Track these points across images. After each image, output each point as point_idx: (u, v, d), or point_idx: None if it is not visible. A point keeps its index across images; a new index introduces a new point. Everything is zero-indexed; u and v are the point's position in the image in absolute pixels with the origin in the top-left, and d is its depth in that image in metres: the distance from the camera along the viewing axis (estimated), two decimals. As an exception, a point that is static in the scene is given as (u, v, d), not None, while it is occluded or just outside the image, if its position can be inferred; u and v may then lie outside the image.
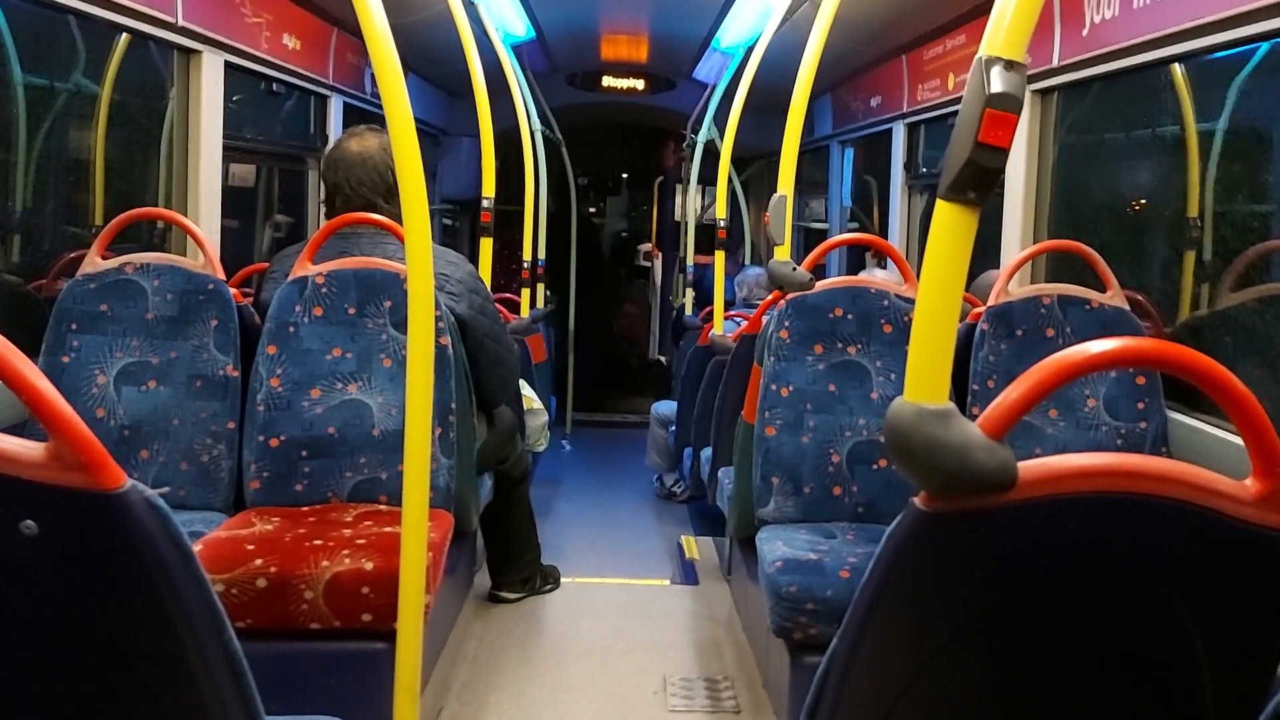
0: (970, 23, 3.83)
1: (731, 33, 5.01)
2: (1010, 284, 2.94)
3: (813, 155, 6.53)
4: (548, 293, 6.14)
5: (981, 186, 1.06)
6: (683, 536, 4.56)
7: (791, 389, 2.80)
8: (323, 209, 2.96)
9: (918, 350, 1.10)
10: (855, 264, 5.50)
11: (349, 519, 2.46)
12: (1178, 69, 2.85)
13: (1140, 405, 2.75)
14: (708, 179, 6.18)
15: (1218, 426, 2.56)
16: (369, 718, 2.06)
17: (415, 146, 1.69)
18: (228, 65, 3.25)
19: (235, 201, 4.08)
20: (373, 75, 1.69)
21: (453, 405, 2.67)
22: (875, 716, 1.16)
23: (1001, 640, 1.11)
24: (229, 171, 3.93)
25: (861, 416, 2.79)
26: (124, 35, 2.92)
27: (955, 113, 1.07)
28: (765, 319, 3.01)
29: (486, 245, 3.77)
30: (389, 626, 2.00)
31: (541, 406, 4.26)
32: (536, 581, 3.58)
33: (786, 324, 2.83)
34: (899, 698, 1.13)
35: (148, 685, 1.11)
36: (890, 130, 4.83)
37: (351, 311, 2.69)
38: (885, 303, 2.86)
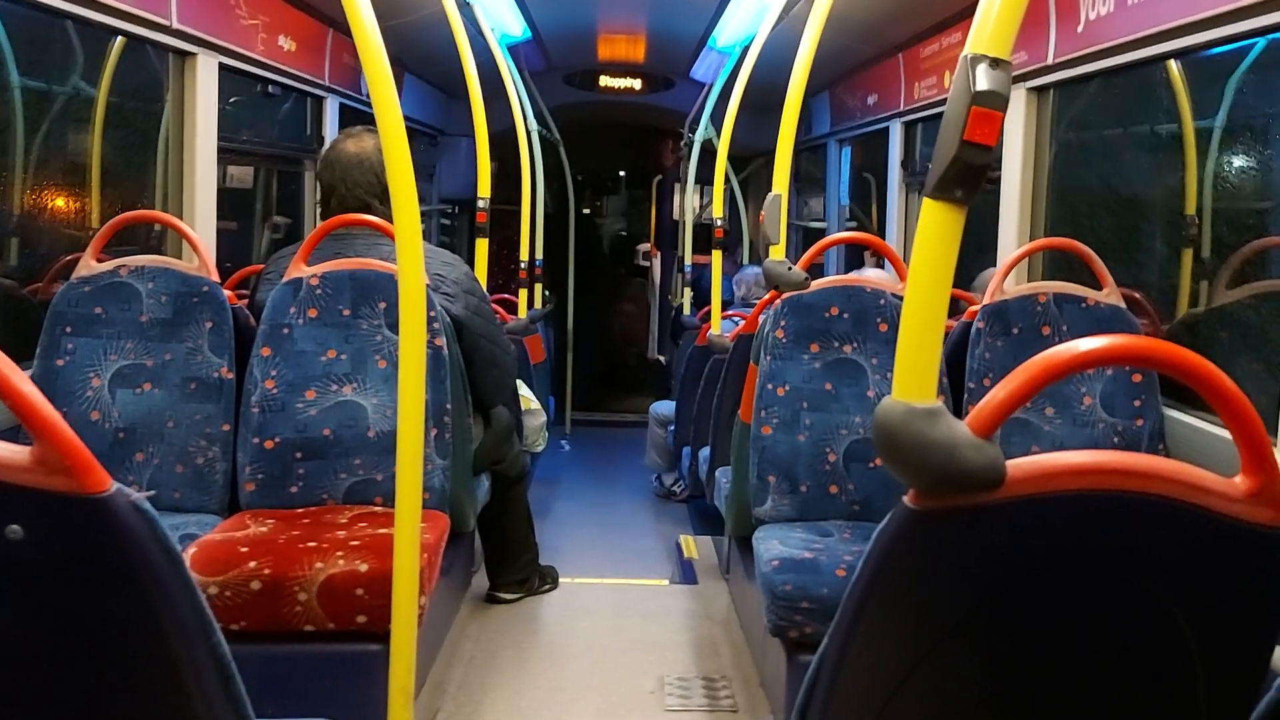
0: (966, 20, 3.81)
1: (728, 31, 5.01)
2: (1006, 282, 2.94)
3: (810, 154, 6.52)
4: (546, 293, 6.14)
5: (968, 185, 1.05)
6: (681, 536, 4.56)
7: (787, 388, 2.80)
8: (318, 210, 2.96)
9: (906, 349, 1.10)
10: (854, 263, 5.49)
11: (343, 521, 2.45)
12: (1174, 65, 2.84)
13: (1137, 402, 2.75)
14: (705, 178, 6.18)
15: (1214, 424, 2.56)
16: None
17: (405, 147, 1.69)
18: (223, 67, 3.25)
19: (233, 203, 4.08)
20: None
21: (448, 406, 2.66)
22: (867, 714, 1.16)
23: (992, 638, 1.10)
24: (227, 173, 3.93)
25: (857, 415, 2.79)
26: (119, 38, 2.92)
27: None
28: (761, 318, 3.01)
29: (483, 246, 3.77)
30: (383, 628, 2.00)
31: (539, 407, 4.26)
32: (534, 582, 3.58)
33: (782, 323, 2.83)
34: (890, 696, 1.13)
35: (136, 688, 1.11)
36: (887, 128, 4.83)
37: (346, 313, 2.68)
38: (881, 301, 2.86)
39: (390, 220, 2.59)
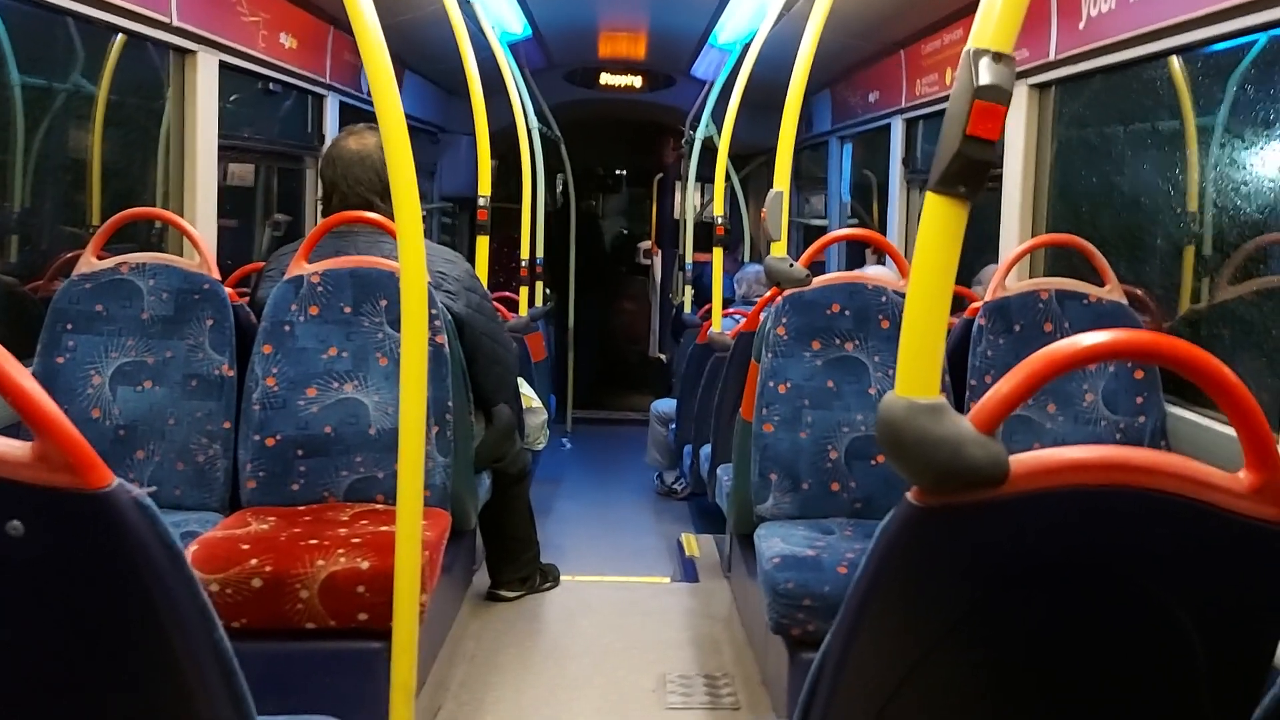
0: (967, 17, 3.80)
1: (729, 29, 5.01)
2: (1008, 278, 2.93)
3: (812, 151, 6.52)
4: (547, 291, 6.13)
5: (971, 179, 1.05)
6: (683, 534, 4.56)
7: (789, 385, 2.79)
8: (320, 207, 2.96)
9: (909, 344, 1.10)
10: (855, 260, 5.49)
11: (345, 518, 2.45)
12: (1175, 62, 2.83)
13: (1139, 399, 2.75)
14: (706, 176, 6.18)
15: (1217, 420, 2.56)
16: (366, 718, 2.05)
17: (407, 145, 1.68)
18: (223, 65, 3.24)
19: (234, 201, 4.08)
20: (367, 73, 1.69)
21: (449, 403, 2.66)
22: (869, 712, 1.15)
23: (995, 634, 1.10)
24: (228, 171, 3.93)
25: (859, 412, 2.78)
26: (119, 36, 2.92)
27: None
28: (763, 316, 3.00)
29: (483, 244, 3.77)
30: (385, 626, 2.00)
31: (540, 405, 4.26)
32: (535, 580, 3.58)
33: (784, 320, 2.83)
34: (893, 693, 1.12)
35: (137, 684, 1.10)
36: (889, 125, 4.83)
37: (347, 310, 2.68)
38: (883, 298, 2.86)
39: (391, 218, 2.61)
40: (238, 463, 2.63)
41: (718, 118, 5.01)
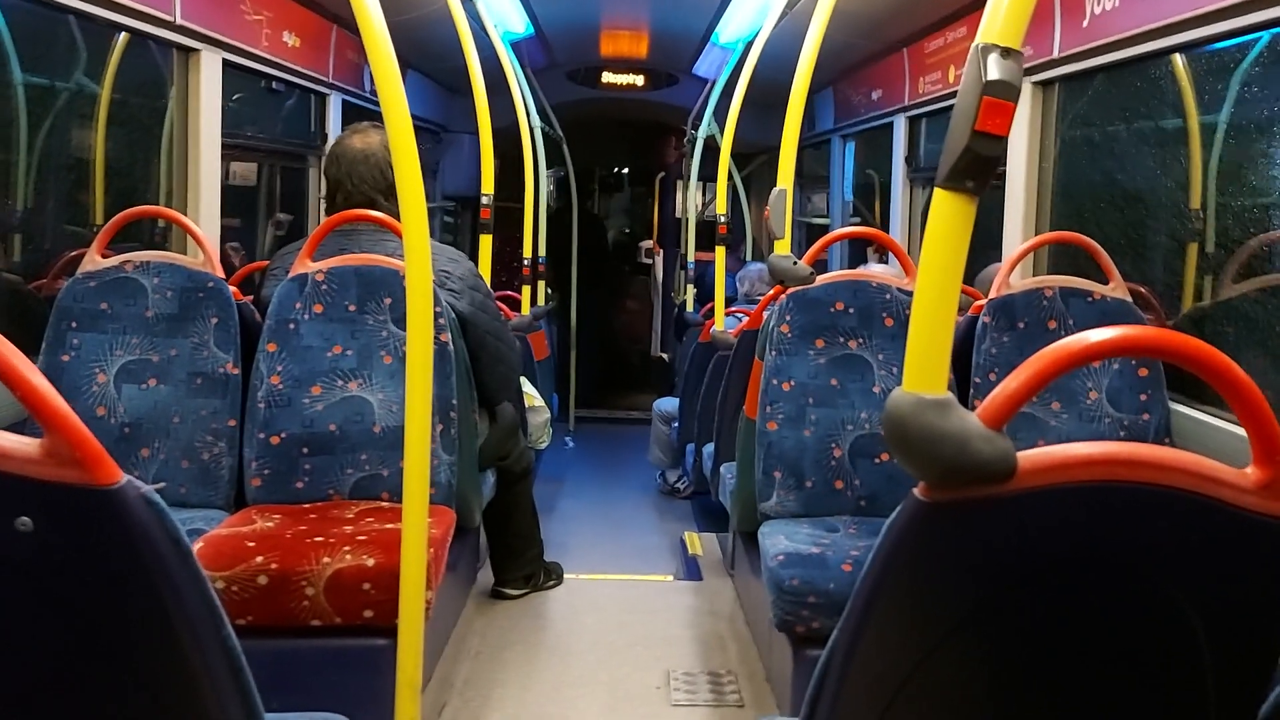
0: (971, 14, 3.81)
1: (731, 27, 5.01)
2: (1012, 276, 2.93)
3: (814, 150, 6.52)
4: (549, 290, 6.13)
5: (979, 175, 1.05)
6: (686, 532, 4.56)
7: (793, 383, 2.80)
8: (323, 205, 2.96)
9: (916, 340, 1.10)
10: (857, 258, 5.49)
11: (350, 516, 2.46)
12: (1179, 59, 2.83)
13: (1143, 397, 2.75)
14: (708, 175, 6.17)
15: (1220, 417, 2.56)
16: (372, 714, 2.06)
17: (412, 143, 1.68)
18: (227, 63, 3.25)
19: (237, 200, 4.08)
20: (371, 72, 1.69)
21: (454, 402, 2.66)
22: (876, 708, 1.15)
23: (1002, 630, 1.10)
24: (231, 170, 3.93)
25: (863, 410, 2.78)
26: (123, 34, 2.92)
27: (958, 104, 1.06)
28: (766, 314, 3.01)
29: (486, 242, 3.77)
30: (390, 623, 2.00)
31: (543, 404, 4.26)
32: (539, 578, 3.58)
33: (787, 318, 2.83)
34: (899, 689, 1.12)
35: (145, 681, 1.11)
36: (891, 123, 4.82)
37: (352, 308, 2.68)
38: (887, 296, 2.86)
39: (395, 216, 2.61)
40: (243, 460, 2.63)
41: (720, 116, 5.00)
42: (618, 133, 8.58)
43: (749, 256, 6.87)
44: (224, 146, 3.30)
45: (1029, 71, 3.20)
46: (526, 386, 3.96)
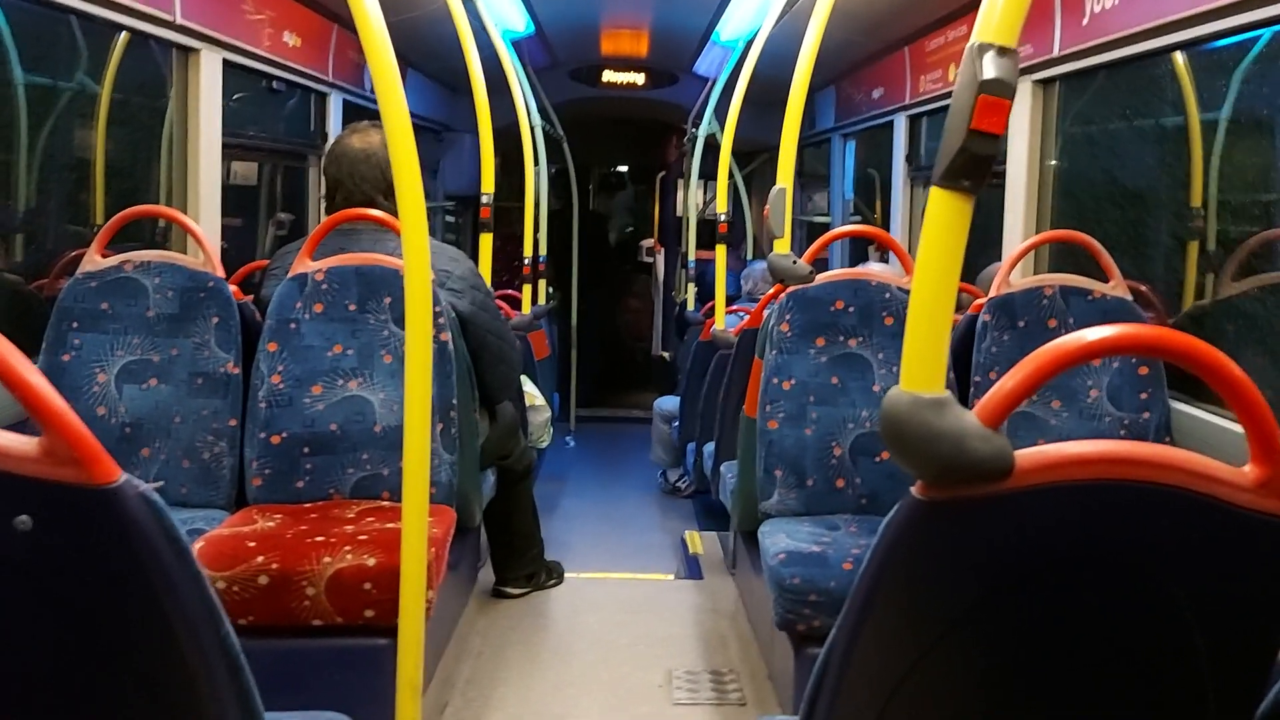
0: (971, 13, 3.78)
1: (731, 26, 5.00)
2: (1012, 275, 2.93)
3: (815, 149, 6.51)
4: (550, 289, 6.13)
5: (975, 174, 1.05)
6: (686, 531, 4.56)
7: (793, 382, 2.80)
8: (323, 204, 2.96)
9: (913, 339, 1.10)
10: (858, 257, 5.49)
11: (351, 515, 2.46)
12: (1179, 57, 2.83)
13: (1143, 395, 2.75)
14: (709, 173, 6.17)
15: (1221, 416, 2.55)
16: (373, 714, 2.06)
17: (411, 143, 1.68)
18: (227, 63, 3.25)
19: (238, 199, 4.08)
20: (371, 71, 1.69)
21: (454, 401, 2.67)
22: (875, 705, 1.16)
23: (1000, 629, 1.10)
24: (231, 169, 3.93)
25: (864, 408, 2.78)
26: (123, 34, 2.92)
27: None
28: (766, 313, 3.01)
29: (486, 241, 3.77)
30: (391, 622, 2.00)
31: (544, 403, 4.26)
32: (540, 577, 3.58)
33: (788, 317, 2.83)
34: (897, 687, 1.13)
35: (144, 680, 1.11)
36: (892, 122, 4.82)
37: (352, 308, 2.68)
38: (887, 295, 2.86)
39: (395, 215, 2.61)
40: (244, 460, 2.63)
41: (720, 115, 5.00)
42: (618, 131, 8.58)
43: (749, 255, 6.87)
44: (224, 146, 3.30)
45: (1029, 70, 3.20)
46: (527, 385, 3.96)
